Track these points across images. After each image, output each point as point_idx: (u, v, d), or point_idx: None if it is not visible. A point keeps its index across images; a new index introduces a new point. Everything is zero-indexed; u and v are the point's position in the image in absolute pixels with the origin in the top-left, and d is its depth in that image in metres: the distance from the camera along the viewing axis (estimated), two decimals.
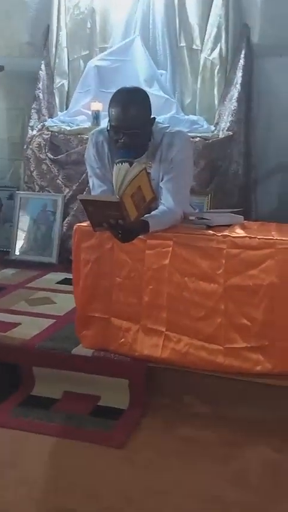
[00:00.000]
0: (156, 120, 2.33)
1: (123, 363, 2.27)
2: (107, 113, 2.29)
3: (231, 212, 2.55)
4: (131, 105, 2.21)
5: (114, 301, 2.31)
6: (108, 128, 2.25)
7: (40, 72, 4.11)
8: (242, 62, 3.80)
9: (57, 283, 3.33)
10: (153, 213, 2.24)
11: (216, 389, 2.24)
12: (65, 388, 2.33)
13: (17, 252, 3.82)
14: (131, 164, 2.02)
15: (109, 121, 2.24)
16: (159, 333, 2.25)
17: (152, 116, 2.29)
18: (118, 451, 2.00)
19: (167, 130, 2.32)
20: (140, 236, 2.20)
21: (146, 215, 2.18)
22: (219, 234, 2.20)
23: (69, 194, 3.74)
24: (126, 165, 2.00)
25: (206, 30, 3.90)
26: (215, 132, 3.70)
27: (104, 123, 2.29)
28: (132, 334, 2.29)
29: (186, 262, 2.21)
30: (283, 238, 2.15)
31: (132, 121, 2.18)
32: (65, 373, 2.34)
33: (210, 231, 2.25)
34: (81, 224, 2.35)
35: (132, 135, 2.18)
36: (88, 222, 2.16)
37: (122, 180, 1.97)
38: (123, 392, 2.27)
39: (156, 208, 2.28)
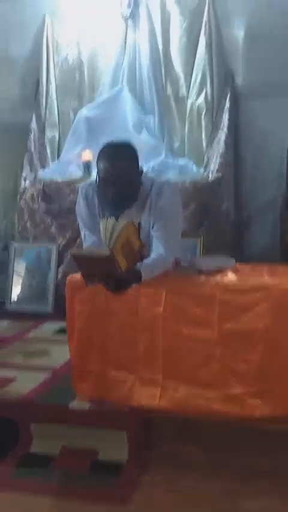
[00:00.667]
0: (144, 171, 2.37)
1: (120, 414, 2.24)
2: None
3: (222, 257, 2.56)
4: (120, 158, 2.25)
5: (109, 352, 2.30)
6: (97, 181, 2.29)
7: (31, 124, 4.20)
8: (227, 105, 3.90)
9: (53, 333, 3.32)
10: (144, 261, 2.24)
11: (216, 436, 2.20)
12: (63, 443, 2.29)
13: (13, 303, 3.82)
14: (117, 217, 2.05)
15: (98, 174, 2.28)
16: (156, 382, 2.23)
17: (140, 169, 2.33)
18: (119, 508, 1.95)
19: (156, 181, 2.37)
20: (132, 285, 2.20)
21: (137, 264, 2.19)
22: (212, 280, 2.21)
23: (63, 243, 3.77)
24: (112, 219, 2.03)
25: (191, 77, 4.01)
26: (205, 175, 3.75)
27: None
28: (129, 384, 2.26)
29: (180, 309, 2.20)
30: (275, 281, 2.16)
31: (121, 173, 2.22)
32: (62, 427, 2.31)
33: (202, 277, 2.25)
34: (73, 276, 2.35)
35: (121, 187, 2.22)
36: (80, 274, 2.17)
37: (110, 235, 2.00)
38: (121, 445, 2.22)
39: (148, 256, 2.29)
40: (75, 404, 2.32)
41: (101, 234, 2.06)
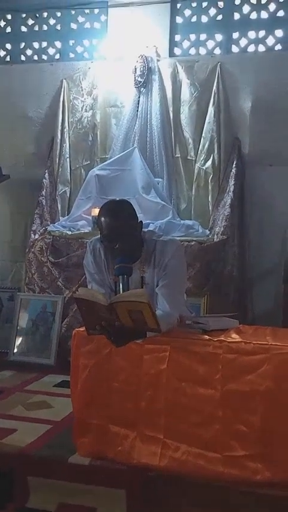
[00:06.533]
0: (148, 229, 2.48)
1: (120, 472, 2.22)
2: None
3: (227, 316, 2.61)
4: (119, 213, 2.39)
5: (111, 407, 2.30)
6: (102, 239, 2.39)
7: (44, 180, 4.36)
8: (234, 171, 4.05)
9: (55, 386, 3.32)
10: None
11: (217, 499, 2.17)
12: (61, 499, 2.25)
13: (16, 353, 3.83)
14: (130, 270, 2.16)
15: (101, 231, 2.39)
16: (157, 440, 2.22)
17: (139, 220, 2.46)
18: None
19: (160, 239, 2.46)
20: (137, 341, 2.24)
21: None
22: (215, 339, 2.24)
23: (68, 295, 3.83)
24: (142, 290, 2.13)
25: (199, 142, 4.20)
26: (210, 236, 3.85)
27: None
28: (130, 441, 2.25)
29: (184, 367, 2.22)
30: (278, 344, 2.18)
31: (122, 227, 2.34)
32: (60, 483, 2.27)
33: (206, 336, 2.28)
34: (80, 329, 2.39)
35: (125, 240, 2.32)
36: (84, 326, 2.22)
37: (123, 293, 2.07)
38: (119, 503, 2.19)
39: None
40: (75, 459, 2.31)
41: (111, 284, 2.13)
